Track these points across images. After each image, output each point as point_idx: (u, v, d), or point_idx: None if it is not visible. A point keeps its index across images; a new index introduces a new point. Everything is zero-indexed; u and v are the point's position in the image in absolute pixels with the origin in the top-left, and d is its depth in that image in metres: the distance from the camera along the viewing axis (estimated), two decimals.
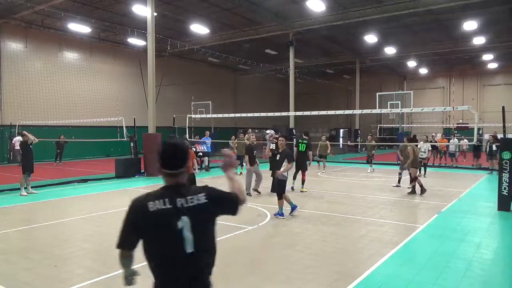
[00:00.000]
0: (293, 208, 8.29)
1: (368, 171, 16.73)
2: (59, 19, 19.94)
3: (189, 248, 2.09)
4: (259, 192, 10.93)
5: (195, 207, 2.14)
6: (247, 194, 10.82)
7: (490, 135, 16.61)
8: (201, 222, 2.17)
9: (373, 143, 17.54)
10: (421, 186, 10.98)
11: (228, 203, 2.34)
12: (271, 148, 12.01)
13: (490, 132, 19.80)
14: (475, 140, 11.53)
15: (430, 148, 15.24)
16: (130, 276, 2.31)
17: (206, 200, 2.19)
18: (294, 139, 13.66)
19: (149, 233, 2.11)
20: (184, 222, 2.09)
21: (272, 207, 8.93)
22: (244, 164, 16.98)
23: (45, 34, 22.15)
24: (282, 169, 8.04)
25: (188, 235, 2.09)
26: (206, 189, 2.26)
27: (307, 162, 11.95)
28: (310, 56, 30.46)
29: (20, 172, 11.31)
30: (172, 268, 2.10)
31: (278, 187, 8.16)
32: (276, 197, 8.25)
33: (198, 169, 17.40)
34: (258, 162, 11.60)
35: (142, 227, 2.11)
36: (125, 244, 2.18)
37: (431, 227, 7.53)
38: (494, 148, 15.45)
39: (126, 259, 2.25)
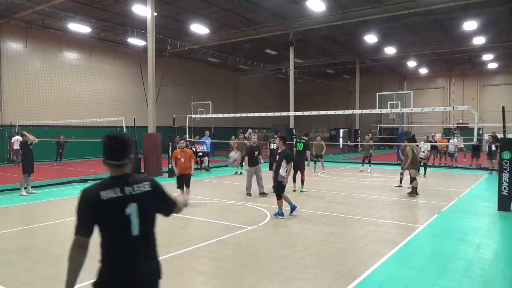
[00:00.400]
0: (293, 208, 8.29)
1: (369, 171, 16.71)
2: (59, 19, 19.95)
3: (135, 231, 2.28)
4: (266, 194, 10.69)
5: (141, 194, 2.34)
6: (247, 194, 10.80)
7: (490, 135, 16.59)
8: (146, 208, 2.36)
9: (371, 143, 17.54)
10: (414, 187, 10.93)
11: (166, 202, 2.54)
12: (271, 148, 12.03)
13: (490, 132, 19.77)
14: (475, 140, 11.53)
15: (429, 148, 15.23)
16: None
17: (150, 188, 2.40)
18: (294, 139, 13.68)
19: (102, 220, 2.26)
20: (132, 208, 2.28)
21: (272, 207, 8.92)
22: (244, 164, 17.02)
23: (45, 34, 22.14)
24: (281, 170, 8.05)
25: (135, 219, 2.28)
26: (151, 179, 2.46)
27: (306, 162, 11.98)
28: (310, 56, 30.47)
29: (20, 172, 11.32)
30: (121, 251, 2.27)
31: (277, 187, 8.17)
32: (276, 198, 8.26)
33: (198, 169, 17.40)
34: (262, 162, 11.52)
35: (96, 214, 2.24)
36: (84, 230, 2.25)
37: (431, 227, 7.53)
38: (493, 148, 15.44)
39: (79, 250, 2.27)
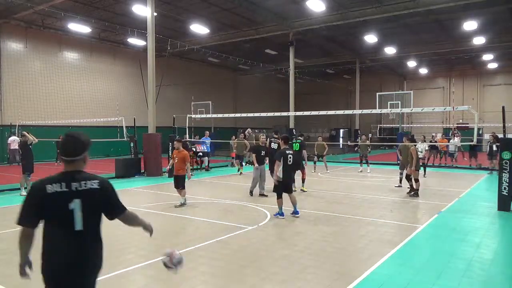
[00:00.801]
0: (295, 212, 8.24)
1: (368, 171, 16.68)
2: (59, 19, 19.96)
3: (78, 226, 2.40)
4: (266, 196, 10.60)
5: (87, 191, 2.45)
6: (249, 193, 10.66)
7: (491, 135, 16.57)
8: (91, 204, 2.45)
9: (367, 143, 17.53)
10: (412, 187, 10.87)
11: (112, 204, 2.61)
12: (272, 147, 12.01)
13: (490, 132, 19.76)
14: (475, 140, 11.52)
15: (426, 148, 15.25)
16: (25, 266, 2.54)
17: (98, 187, 2.49)
18: (293, 139, 13.70)
19: (46, 213, 2.40)
20: (75, 204, 2.40)
21: (272, 207, 8.92)
22: (244, 164, 17.05)
23: (45, 34, 22.15)
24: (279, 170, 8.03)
25: (78, 214, 2.40)
26: (102, 179, 2.56)
27: (303, 162, 11.99)
28: (310, 56, 30.47)
29: (20, 172, 11.31)
30: (63, 244, 2.40)
31: (275, 187, 8.15)
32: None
33: (198, 169, 17.39)
34: (266, 162, 11.46)
35: (41, 207, 2.39)
36: (25, 221, 2.45)
37: (431, 227, 7.53)
38: (494, 148, 15.43)
39: (25, 240, 2.51)
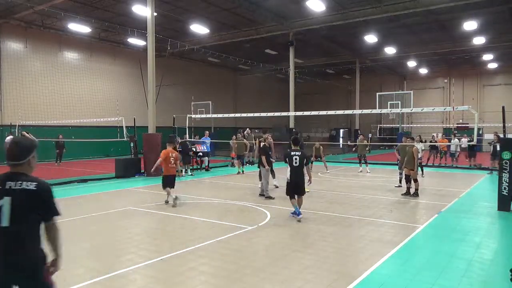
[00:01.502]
0: (294, 212, 8.18)
1: (368, 171, 16.68)
2: (59, 19, 19.95)
3: (4, 223, 2.48)
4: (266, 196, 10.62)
5: (20, 190, 2.53)
6: (267, 197, 10.37)
7: (495, 135, 16.56)
8: (22, 204, 2.52)
9: (365, 142, 17.51)
10: (409, 189, 10.87)
11: (45, 209, 2.65)
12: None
13: (490, 132, 19.74)
14: (475, 140, 11.54)
15: (423, 148, 15.25)
16: None
17: (34, 188, 2.57)
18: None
19: None
20: (5, 201, 2.50)
21: (272, 207, 8.93)
22: (245, 163, 17.06)
23: (45, 34, 22.14)
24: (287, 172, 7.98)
25: (6, 211, 2.49)
26: (42, 183, 2.64)
27: None
28: (310, 56, 30.48)
29: None
30: None
31: (286, 190, 8.10)
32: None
33: (198, 169, 17.39)
34: (274, 160, 11.39)
35: None
36: None
37: (431, 227, 7.53)
38: (498, 148, 15.40)
39: None
